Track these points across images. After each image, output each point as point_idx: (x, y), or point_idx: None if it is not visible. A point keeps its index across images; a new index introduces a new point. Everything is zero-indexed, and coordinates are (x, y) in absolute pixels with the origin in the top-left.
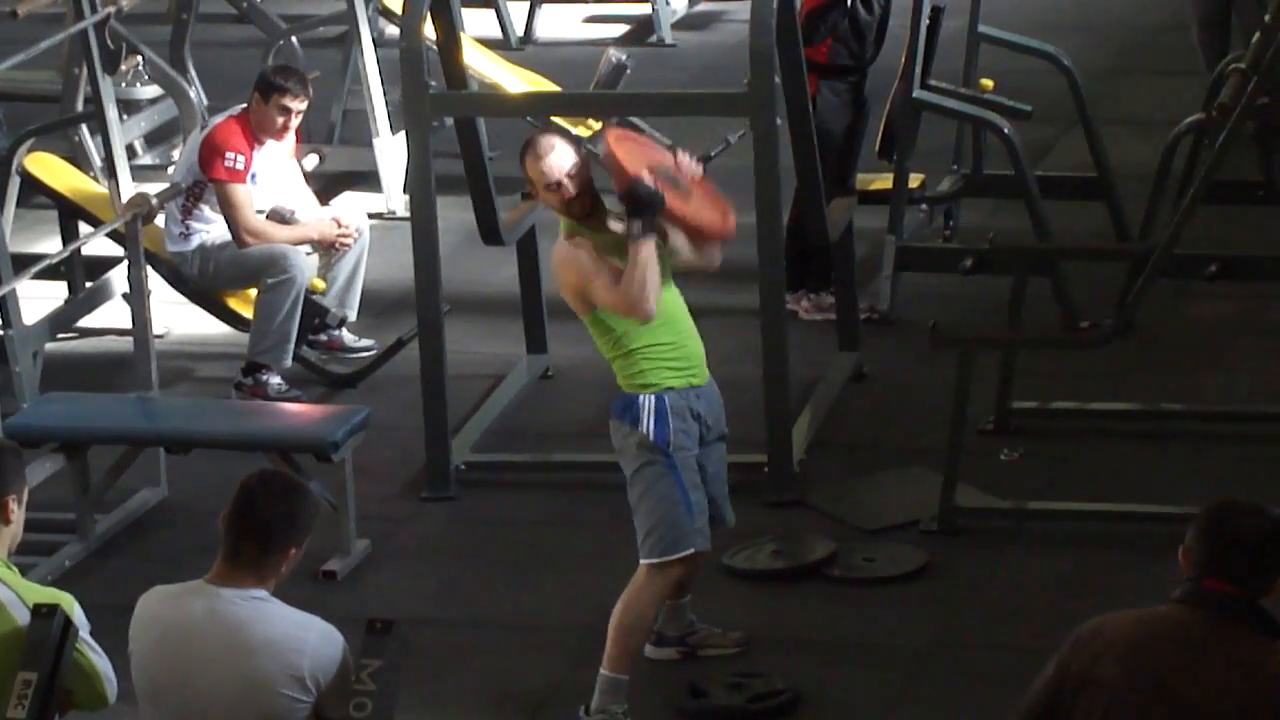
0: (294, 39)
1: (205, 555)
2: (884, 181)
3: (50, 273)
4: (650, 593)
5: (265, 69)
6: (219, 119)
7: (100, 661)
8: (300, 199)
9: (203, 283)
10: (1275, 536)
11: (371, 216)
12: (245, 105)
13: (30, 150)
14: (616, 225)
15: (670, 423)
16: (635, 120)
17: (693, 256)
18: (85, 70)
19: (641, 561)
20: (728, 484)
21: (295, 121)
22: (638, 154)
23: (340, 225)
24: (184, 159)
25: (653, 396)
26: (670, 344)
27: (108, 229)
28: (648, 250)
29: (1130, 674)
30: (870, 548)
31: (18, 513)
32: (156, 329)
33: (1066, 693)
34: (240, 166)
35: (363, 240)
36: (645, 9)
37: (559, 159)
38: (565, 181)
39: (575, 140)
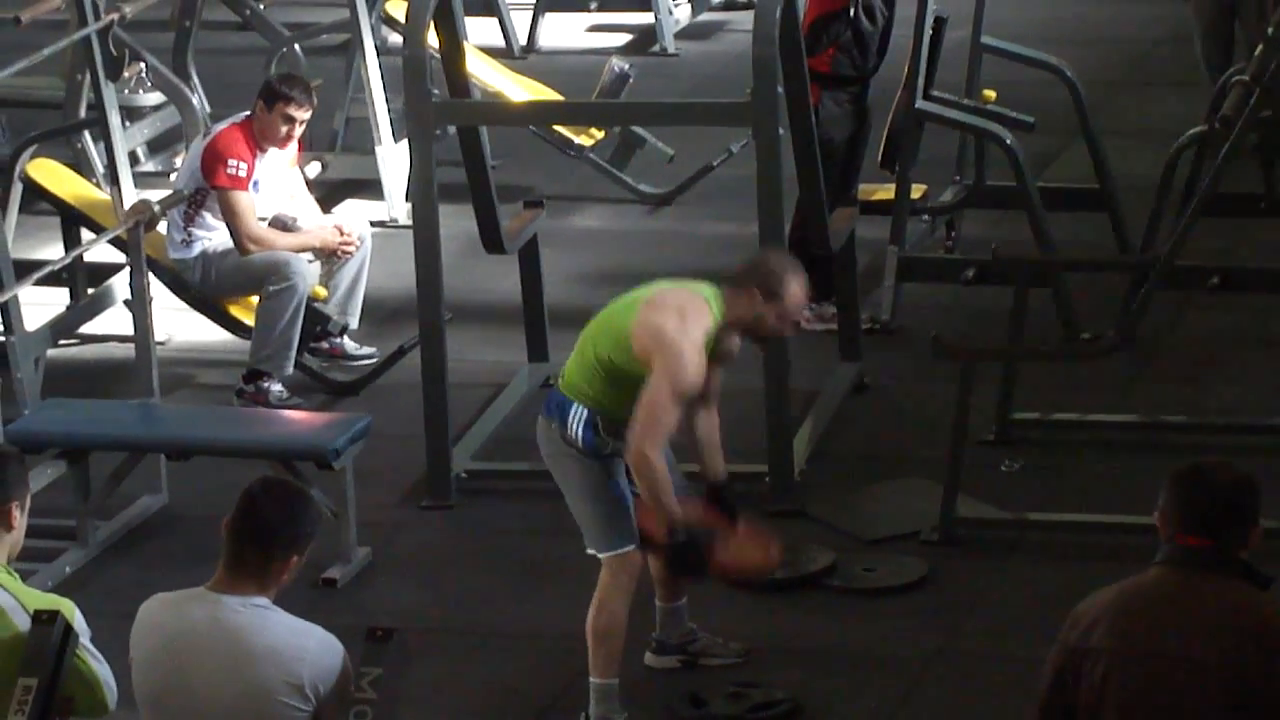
0: (297, 47)
1: (206, 562)
2: (886, 192)
3: (52, 279)
4: (616, 588)
5: (269, 77)
6: (221, 126)
7: (100, 668)
8: (303, 207)
9: (204, 290)
10: (1242, 485)
11: (374, 224)
12: (248, 113)
13: (33, 157)
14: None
15: (596, 437)
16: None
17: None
18: (88, 77)
19: (599, 556)
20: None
21: (299, 130)
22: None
23: (342, 233)
24: (186, 166)
25: (586, 410)
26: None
27: (110, 235)
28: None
29: (1120, 637)
30: (871, 558)
31: (20, 519)
32: (158, 336)
33: (1069, 670)
34: (242, 174)
35: (365, 248)
36: (648, 18)
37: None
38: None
39: None
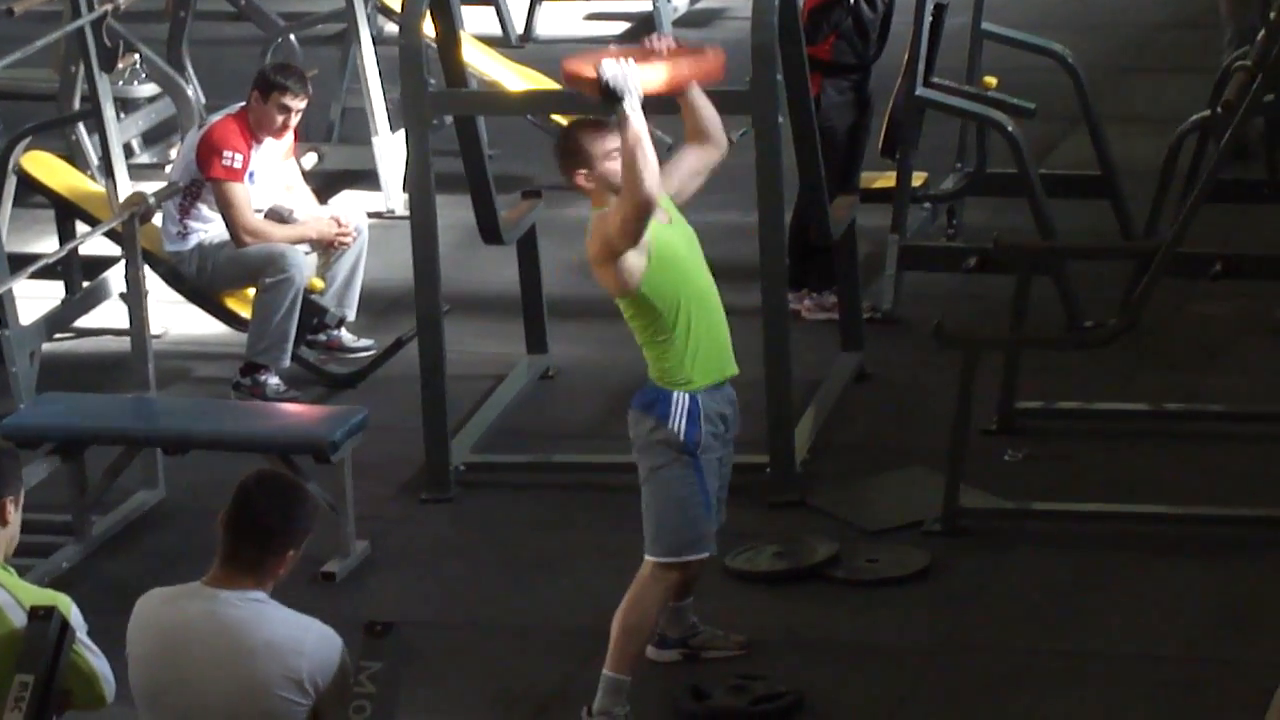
0: (292, 37)
1: (203, 557)
2: (887, 180)
3: (47, 272)
4: (655, 592)
5: (265, 67)
6: (217, 117)
7: (98, 662)
8: (299, 198)
9: (200, 282)
10: None
11: (370, 215)
12: (244, 104)
13: (27, 149)
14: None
15: (702, 425)
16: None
17: (703, 155)
18: (82, 68)
19: (648, 559)
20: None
21: (294, 120)
22: (593, 55)
23: (339, 224)
24: (181, 158)
25: (687, 396)
26: (708, 332)
27: (105, 228)
28: (633, 128)
29: None
30: (873, 549)
31: (15, 515)
32: (154, 329)
33: None
34: (238, 165)
35: (362, 239)
36: (646, 6)
37: (609, 130)
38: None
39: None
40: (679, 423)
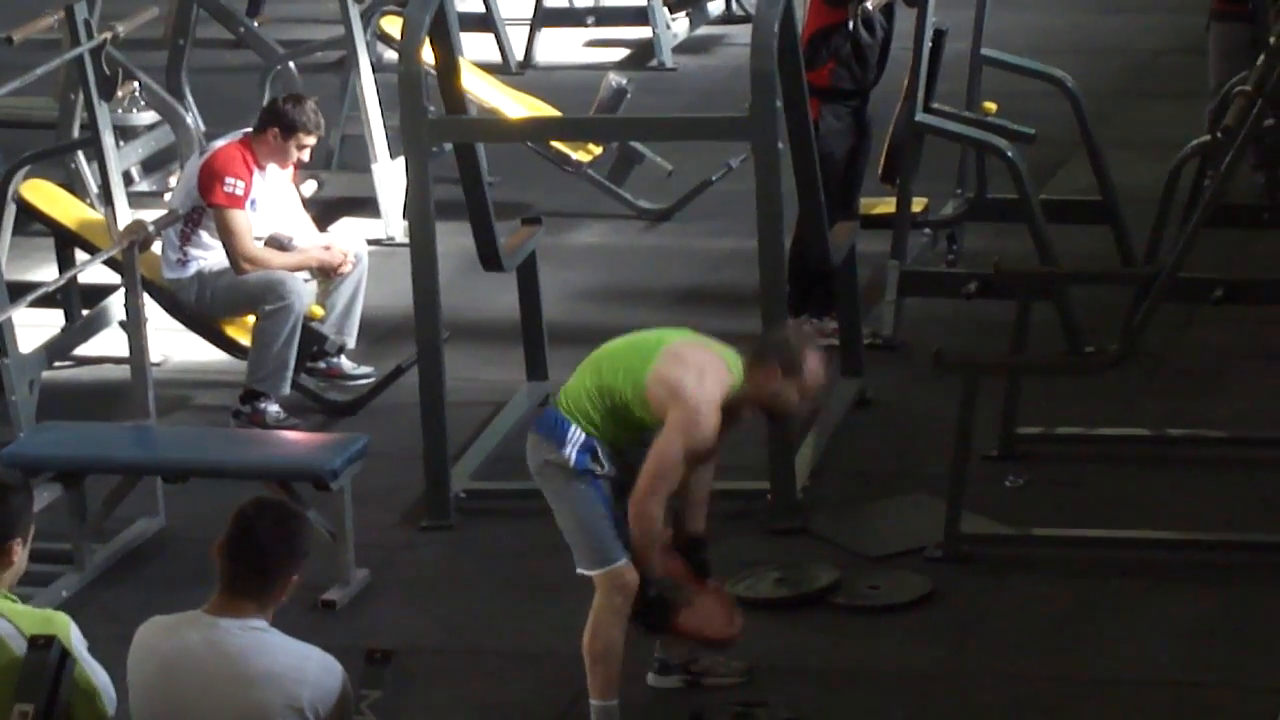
0: (292, 64)
1: (203, 585)
2: (887, 205)
3: (47, 301)
4: (610, 609)
5: (281, 104)
6: (219, 144)
7: (98, 677)
8: (299, 225)
9: (200, 310)
10: None
11: (370, 242)
12: (246, 130)
13: (26, 177)
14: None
15: (590, 462)
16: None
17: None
18: (81, 96)
19: (589, 574)
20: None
21: (306, 155)
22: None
23: (339, 252)
24: (183, 184)
25: (584, 435)
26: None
27: (104, 256)
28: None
29: None
30: (874, 575)
31: (21, 554)
32: (154, 357)
33: None
34: (240, 192)
35: (361, 266)
36: (646, 33)
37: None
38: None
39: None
40: (571, 451)
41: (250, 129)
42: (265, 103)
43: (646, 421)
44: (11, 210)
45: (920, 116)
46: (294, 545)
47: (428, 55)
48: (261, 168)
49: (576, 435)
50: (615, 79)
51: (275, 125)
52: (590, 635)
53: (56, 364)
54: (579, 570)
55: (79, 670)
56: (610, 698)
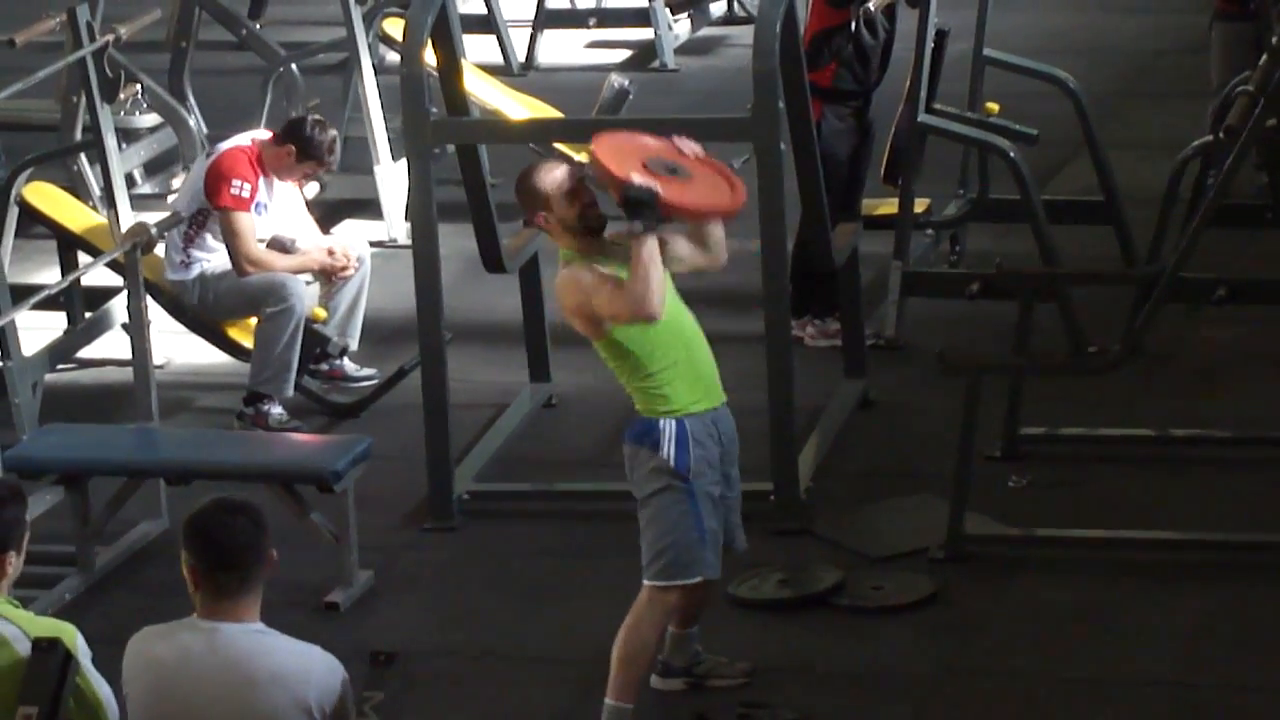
0: (294, 66)
1: None
2: (889, 206)
3: (49, 303)
4: (653, 618)
5: (309, 131)
6: (226, 146)
7: (102, 689)
8: (301, 227)
9: (203, 312)
10: None
11: (373, 244)
12: (254, 134)
13: (29, 180)
14: (619, 227)
15: (691, 449)
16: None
17: (698, 258)
18: (84, 99)
19: (645, 583)
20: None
21: (314, 183)
22: (627, 152)
23: (341, 254)
24: (188, 186)
25: (674, 421)
26: (687, 362)
27: (107, 259)
28: (649, 248)
29: None
30: (878, 576)
31: (16, 562)
32: (157, 359)
33: None
34: (246, 195)
35: (364, 269)
36: (648, 34)
37: (566, 169)
38: (579, 187)
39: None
40: (669, 449)
41: (256, 132)
42: (292, 116)
43: (618, 338)
44: (14, 213)
45: (922, 117)
46: (256, 533)
47: (430, 57)
48: (268, 174)
49: (665, 427)
50: (618, 80)
51: (295, 144)
52: (625, 635)
53: (59, 366)
54: (645, 580)
55: (84, 680)
56: (627, 701)
